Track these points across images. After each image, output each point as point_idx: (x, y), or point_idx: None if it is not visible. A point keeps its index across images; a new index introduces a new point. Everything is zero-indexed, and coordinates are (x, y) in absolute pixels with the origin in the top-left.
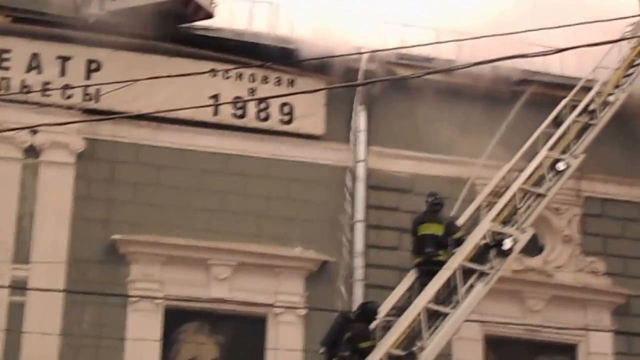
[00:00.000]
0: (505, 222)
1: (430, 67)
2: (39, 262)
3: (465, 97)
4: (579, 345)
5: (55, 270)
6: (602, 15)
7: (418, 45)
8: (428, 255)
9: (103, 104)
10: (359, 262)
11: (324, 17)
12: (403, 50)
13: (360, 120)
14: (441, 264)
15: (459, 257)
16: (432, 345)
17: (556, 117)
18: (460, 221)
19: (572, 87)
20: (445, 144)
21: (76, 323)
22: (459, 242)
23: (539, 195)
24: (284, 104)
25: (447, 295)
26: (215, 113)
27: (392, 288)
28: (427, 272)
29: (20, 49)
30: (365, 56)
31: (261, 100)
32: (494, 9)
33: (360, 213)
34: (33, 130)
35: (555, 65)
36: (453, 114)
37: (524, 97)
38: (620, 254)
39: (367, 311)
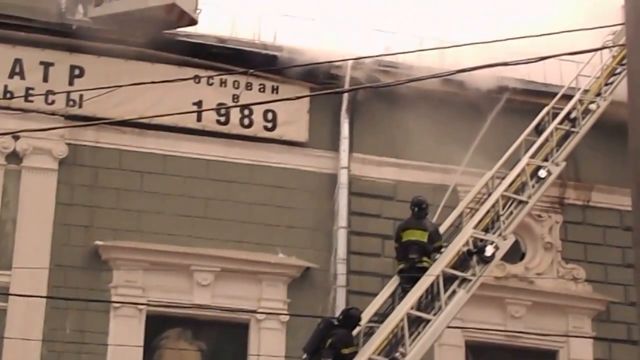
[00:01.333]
0: (487, 229)
1: (413, 75)
2: (21, 267)
3: (448, 104)
4: (559, 352)
5: (37, 276)
6: (585, 23)
7: (401, 53)
8: (412, 262)
9: (86, 110)
10: (341, 269)
11: (308, 25)
12: (387, 58)
13: (343, 127)
14: (425, 270)
15: (440, 264)
16: (414, 351)
17: (538, 125)
18: (442, 228)
19: (554, 94)
20: (427, 151)
21: (58, 329)
22: (438, 251)
23: (521, 202)
24: (267, 111)
25: (430, 301)
26: (199, 119)
27: (375, 295)
28: (410, 278)
29: (3, 55)
30: (349, 64)
31: (245, 106)
32: (478, 18)
33: (343, 220)
34: (15, 136)
35: (538, 73)
36: (436, 122)
37: (500, 103)
38: (600, 261)
39: (350, 317)
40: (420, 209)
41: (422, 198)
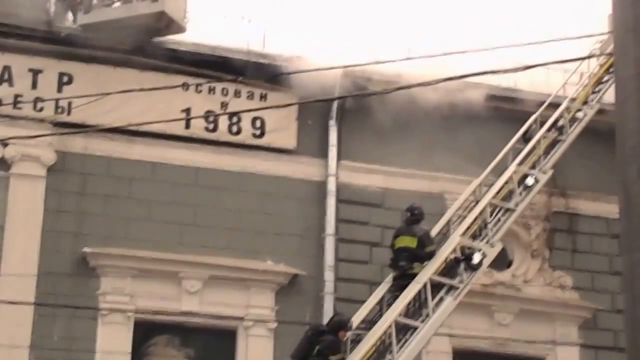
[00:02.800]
0: (474, 237)
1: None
2: (9, 274)
3: (436, 113)
4: (546, 359)
5: (25, 282)
6: (573, 32)
7: (389, 61)
8: (402, 269)
9: (75, 117)
10: (329, 276)
11: (297, 33)
12: (375, 67)
13: (331, 135)
14: (415, 277)
15: (428, 271)
16: (401, 358)
17: (525, 133)
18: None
19: (542, 103)
20: (415, 159)
21: (46, 336)
22: (431, 255)
23: (508, 209)
24: (255, 118)
25: (417, 308)
26: (187, 127)
27: (362, 301)
28: (401, 286)
29: None
30: (338, 72)
31: (233, 114)
32: (467, 26)
33: (331, 227)
34: (4, 142)
35: (525, 82)
36: (424, 130)
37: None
38: (587, 268)
39: (338, 324)
40: (412, 214)
41: (416, 204)
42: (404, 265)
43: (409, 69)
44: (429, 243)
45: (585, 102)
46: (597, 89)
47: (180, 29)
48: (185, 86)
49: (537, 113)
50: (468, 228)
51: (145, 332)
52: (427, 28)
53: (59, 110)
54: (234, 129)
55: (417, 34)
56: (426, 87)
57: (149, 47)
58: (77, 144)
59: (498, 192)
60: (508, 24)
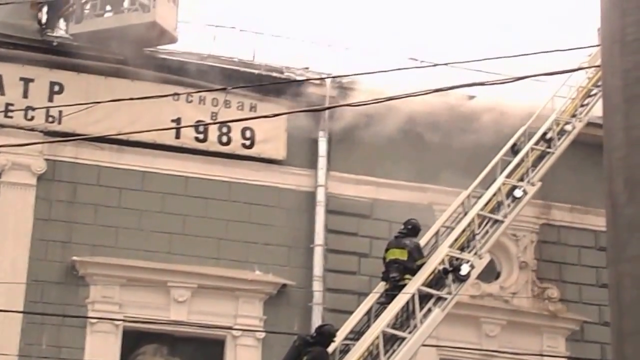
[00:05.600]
0: (462, 248)
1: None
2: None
3: (425, 125)
4: None
5: (14, 291)
6: (561, 45)
7: (378, 72)
8: (393, 281)
9: (65, 126)
10: (317, 286)
11: (286, 43)
12: (364, 78)
13: (320, 145)
14: None
15: (416, 282)
16: None
17: (514, 145)
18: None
19: (530, 115)
20: (404, 170)
21: (34, 344)
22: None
23: (496, 221)
24: (245, 128)
25: (405, 319)
26: (177, 136)
27: (351, 312)
28: (390, 297)
29: None
30: (327, 82)
31: (223, 124)
32: (456, 38)
33: (319, 237)
34: None
35: (513, 93)
36: (413, 141)
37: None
38: (575, 280)
39: (325, 334)
40: (405, 227)
41: (412, 219)
42: (396, 277)
43: (397, 80)
44: (419, 256)
45: (574, 115)
46: (585, 102)
47: (172, 39)
48: (175, 96)
49: (526, 125)
50: (456, 239)
51: (134, 341)
52: (417, 40)
53: (50, 119)
54: (224, 139)
55: (408, 45)
56: (415, 99)
57: (140, 57)
58: (68, 152)
59: (486, 204)
60: (497, 36)
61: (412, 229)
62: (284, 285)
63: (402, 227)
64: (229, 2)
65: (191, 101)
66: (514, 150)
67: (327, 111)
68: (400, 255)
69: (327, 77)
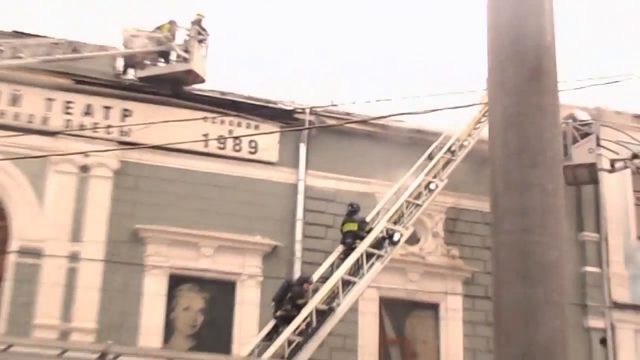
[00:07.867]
0: (395, 222)
1: (350, 118)
2: (88, 241)
3: (374, 138)
4: (440, 304)
5: (98, 247)
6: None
7: (342, 103)
8: (348, 245)
9: (132, 138)
10: (298, 247)
11: (283, 79)
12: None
13: (301, 152)
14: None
15: (364, 245)
16: (345, 302)
17: (430, 154)
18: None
19: (441, 134)
20: (356, 169)
21: (111, 281)
22: (366, 235)
23: (418, 205)
24: (251, 140)
25: (356, 269)
26: (206, 145)
27: (320, 264)
28: (347, 255)
29: (79, 101)
30: (307, 110)
31: (236, 137)
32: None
33: (300, 214)
34: (86, 154)
35: (431, 120)
36: (366, 150)
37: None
38: (468, 244)
39: (303, 279)
40: (352, 208)
41: (354, 202)
42: (350, 242)
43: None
44: (365, 227)
45: (470, 135)
46: (477, 126)
47: (201, 80)
48: (205, 118)
49: (438, 141)
50: (391, 217)
51: (176, 281)
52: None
53: (122, 133)
54: (237, 147)
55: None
56: (365, 120)
57: (181, 92)
58: (134, 155)
59: (411, 193)
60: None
61: (357, 208)
62: (276, 246)
63: (350, 207)
64: (248, 46)
65: (215, 122)
66: (430, 157)
67: (306, 130)
68: (353, 227)
69: (307, 107)
